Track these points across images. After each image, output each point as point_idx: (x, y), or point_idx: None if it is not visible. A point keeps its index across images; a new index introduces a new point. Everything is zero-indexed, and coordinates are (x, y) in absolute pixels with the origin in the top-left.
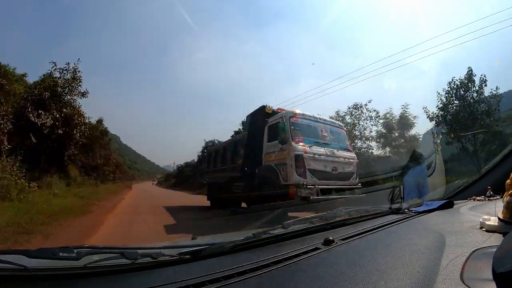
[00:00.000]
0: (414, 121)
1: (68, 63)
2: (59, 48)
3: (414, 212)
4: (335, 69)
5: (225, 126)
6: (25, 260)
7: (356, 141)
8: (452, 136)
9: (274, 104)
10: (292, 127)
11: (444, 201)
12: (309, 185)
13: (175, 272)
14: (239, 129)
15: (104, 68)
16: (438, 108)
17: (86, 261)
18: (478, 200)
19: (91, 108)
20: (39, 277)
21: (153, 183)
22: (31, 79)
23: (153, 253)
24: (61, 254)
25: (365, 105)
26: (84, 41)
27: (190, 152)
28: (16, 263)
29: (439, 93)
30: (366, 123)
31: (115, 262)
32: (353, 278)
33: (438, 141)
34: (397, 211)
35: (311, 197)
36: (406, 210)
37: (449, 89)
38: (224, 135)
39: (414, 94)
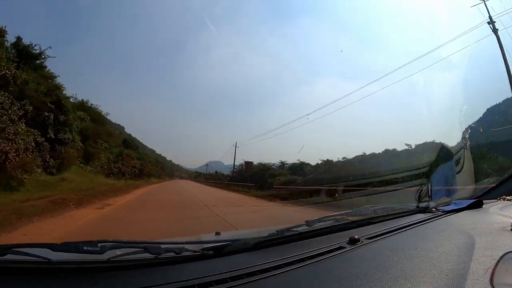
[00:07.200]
0: None
1: None
2: (72, 47)
3: (442, 212)
4: (356, 68)
5: (245, 127)
6: (50, 253)
7: None
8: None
9: (292, 104)
10: None
11: (473, 200)
12: None
13: (197, 267)
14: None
15: (118, 65)
16: None
17: (109, 255)
18: (508, 200)
19: (101, 101)
20: (63, 270)
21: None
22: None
23: (176, 248)
24: (85, 248)
25: None
26: (97, 39)
27: (209, 152)
28: (41, 256)
29: None
30: None
31: (138, 256)
32: (378, 281)
33: (467, 136)
34: (425, 210)
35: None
36: (433, 209)
37: None
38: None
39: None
